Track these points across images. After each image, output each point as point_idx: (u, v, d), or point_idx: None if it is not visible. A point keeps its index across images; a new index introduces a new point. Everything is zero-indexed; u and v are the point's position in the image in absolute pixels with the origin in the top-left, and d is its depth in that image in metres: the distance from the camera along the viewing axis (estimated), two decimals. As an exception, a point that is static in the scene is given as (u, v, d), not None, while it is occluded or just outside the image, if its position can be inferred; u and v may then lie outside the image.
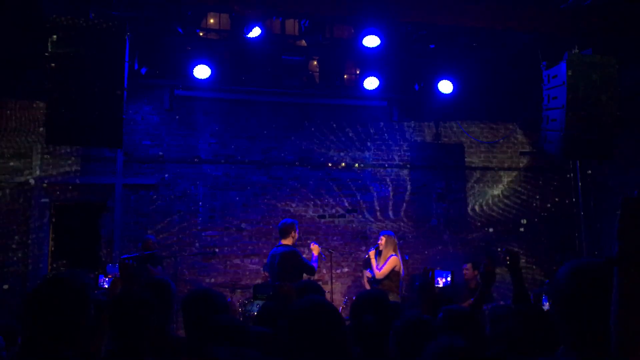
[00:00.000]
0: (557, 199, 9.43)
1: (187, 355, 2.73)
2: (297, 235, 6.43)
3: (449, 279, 5.49)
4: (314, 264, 6.30)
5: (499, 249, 7.82)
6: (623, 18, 6.51)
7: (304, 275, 6.27)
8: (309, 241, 7.09)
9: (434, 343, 1.94)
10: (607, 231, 8.81)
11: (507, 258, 3.18)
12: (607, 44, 6.65)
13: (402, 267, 6.90)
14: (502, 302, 4.74)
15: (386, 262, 6.80)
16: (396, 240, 7.02)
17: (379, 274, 6.76)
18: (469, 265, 7.20)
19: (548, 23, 6.49)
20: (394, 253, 6.86)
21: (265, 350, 2.73)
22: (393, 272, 6.77)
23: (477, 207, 9.20)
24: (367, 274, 7.31)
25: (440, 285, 5.54)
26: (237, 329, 2.62)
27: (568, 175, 9.48)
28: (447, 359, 1.85)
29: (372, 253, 6.91)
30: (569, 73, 6.17)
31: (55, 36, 5.31)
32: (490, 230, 9.15)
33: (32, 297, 2.26)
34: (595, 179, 9.07)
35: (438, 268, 6.32)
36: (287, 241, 6.30)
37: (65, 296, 2.23)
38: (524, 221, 9.25)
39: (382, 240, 6.94)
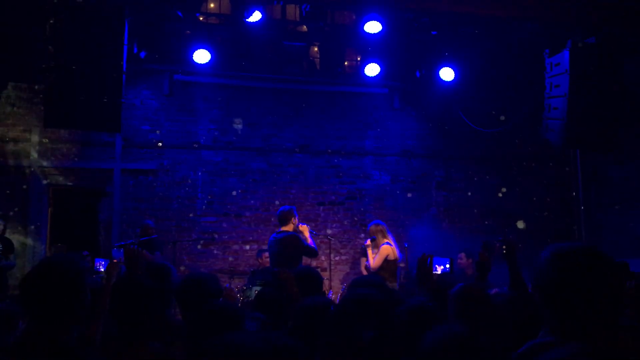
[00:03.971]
0: (557, 191, 9.39)
1: (185, 340, 2.72)
2: (297, 221, 6.33)
3: (447, 266, 5.47)
4: (313, 245, 6.26)
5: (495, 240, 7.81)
6: (628, 7, 6.44)
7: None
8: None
9: (433, 330, 1.93)
10: (607, 223, 8.78)
11: (504, 247, 3.18)
12: (612, 33, 6.58)
13: (397, 252, 6.80)
14: (497, 289, 4.73)
15: (377, 253, 6.74)
16: (384, 227, 6.91)
17: (372, 266, 6.73)
18: (462, 254, 7.21)
19: (551, 11, 6.41)
20: (385, 241, 6.80)
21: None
22: (386, 262, 6.71)
23: (477, 197, 9.16)
24: (365, 262, 7.32)
25: (439, 272, 5.51)
26: (232, 314, 2.60)
27: (568, 168, 9.42)
28: (446, 346, 1.84)
29: (369, 243, 6.90)
30: (572, 61, 6.12)
31: (53, 18, 5.26)
32: (490, 219, 9.12)
33: (27, 281, 2.23)
34: (596, 171, 9.03)
35: (436, 255, 6.29)
36: (288, 228, 6.23)
37: (59, 280, 2.20)
38: (522, 215, 9.20)
39: (372, 230, 6.91)
